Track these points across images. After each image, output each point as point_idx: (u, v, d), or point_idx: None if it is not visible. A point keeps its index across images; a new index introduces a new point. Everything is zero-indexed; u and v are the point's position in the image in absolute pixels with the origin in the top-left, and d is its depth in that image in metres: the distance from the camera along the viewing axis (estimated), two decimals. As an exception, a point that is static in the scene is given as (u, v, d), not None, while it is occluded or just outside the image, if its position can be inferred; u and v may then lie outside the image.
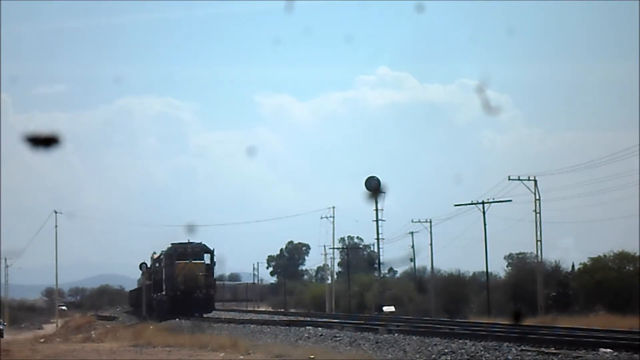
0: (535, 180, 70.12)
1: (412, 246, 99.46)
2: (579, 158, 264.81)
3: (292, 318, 64.61)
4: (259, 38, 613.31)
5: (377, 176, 77.77)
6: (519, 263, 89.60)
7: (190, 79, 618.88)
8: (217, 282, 78.58)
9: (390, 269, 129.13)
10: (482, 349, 28.04)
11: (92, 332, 62.51)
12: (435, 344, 30.62)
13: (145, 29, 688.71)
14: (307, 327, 44.19)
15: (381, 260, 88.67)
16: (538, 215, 69.45)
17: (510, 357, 25.90)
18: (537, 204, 69.52)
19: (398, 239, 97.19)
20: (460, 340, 31.21)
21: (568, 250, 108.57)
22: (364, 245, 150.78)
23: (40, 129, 11.29)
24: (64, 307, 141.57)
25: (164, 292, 67.33)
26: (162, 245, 73.48)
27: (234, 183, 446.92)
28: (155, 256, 77.16)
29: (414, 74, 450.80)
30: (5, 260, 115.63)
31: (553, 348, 26.55)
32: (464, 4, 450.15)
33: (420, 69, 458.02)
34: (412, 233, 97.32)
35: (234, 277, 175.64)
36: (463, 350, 28.25)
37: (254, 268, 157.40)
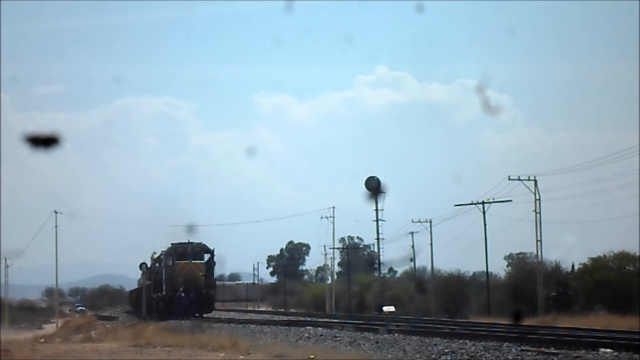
0: (535, 180, 70.14)
1: (412, 246, 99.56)
2: (579, 158, 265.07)
3: (292, 318, 64.62)
4: (259, 38, 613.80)
5: (377, 176, 77.88)
6: (519, 263, 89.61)
7: (190, 79, 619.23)
8: (217, 282, 78.53)
9: (390, 269, 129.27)
10: (482, 349, 28.04)
11: (92, 332, 62.45)
12: (435, 344, 30.62)
13: (145, 29, 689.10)
14: (307, 327, 44.19)
15: (381, 260, 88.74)
16: (538, 215, 69.48)
17: (510, 357, 25.90)
18: (537, 204, 69.56)
19: (398, 239, 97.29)
20: (460, 340, 31.22)
21: (570, 249, 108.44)
22: (364, 245, 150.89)
23: (40, 129, 11.29)
24: (82, 308, 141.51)
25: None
26: (162, 245, 73.50)
27: (234, 183, 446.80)
28: (155, 256, 77.11)
29: (412, 73, 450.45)
30: (5, 260, 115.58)
31: (553, 348, 26.55)
32: (464, 4, 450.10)
33: (420, 68, 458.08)
34: (412, 233, 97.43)
35: (234, 277, 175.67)
36: (463, 350, 28.25)
37: (254, 268, 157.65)
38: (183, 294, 66.55)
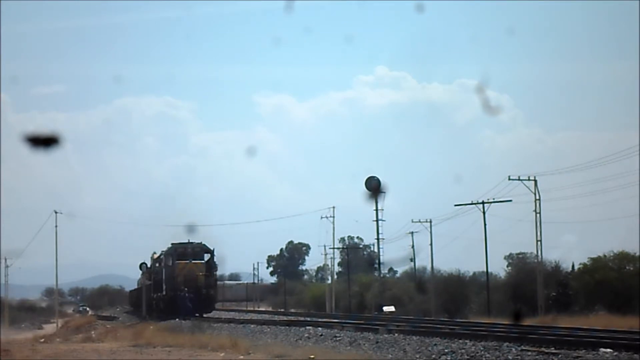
0: (535, 180, 70.13)
1: (412, 246, 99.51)
2: (579, 158, 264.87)
3: (292, 318, 64.63)
4: (259, 38, 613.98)
5: (377, 176, 77.87)
6: (519, 263, 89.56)
7: (190, 79, 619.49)
8: (217, 282, 78.45)
9: (390, 269, 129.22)
10: (482, 349, 28.05)
11: (92, 332, 62.41)
12: (435, 344, 30.63)
13: (145, 29, 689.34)
14: (307, 327, 44.20)
15: (381, 260, 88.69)
16: (538, 215, 69.46)
17: (510, 357, 25.90)
18: (537, 204, 69.54)
19: (398, 239, 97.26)
20: (460, 340, 31.23)
21: (570, 249, 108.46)
22: (364, 245, 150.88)
23: (40, 129, 11.30)
24: (86, 308, 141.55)
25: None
26: (162, 245, 73.54)
27: (234, 183, 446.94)
28: (155, 256, 77.12)
29: (412, 73, 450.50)
30: (5, 260, 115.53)
31: (553, 348, 26.56)
32: (464, 4, 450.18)
33: (420, 68, 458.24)
34: (412, 233, 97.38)
35: (234, 277, 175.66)
36: (463, 350, 28.25)
37: (254, 268, 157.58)
38: (187, 295, 66.55)
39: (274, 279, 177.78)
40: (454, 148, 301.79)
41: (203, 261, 68.83)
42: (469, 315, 75.42)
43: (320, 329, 42.82)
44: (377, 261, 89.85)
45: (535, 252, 73.32)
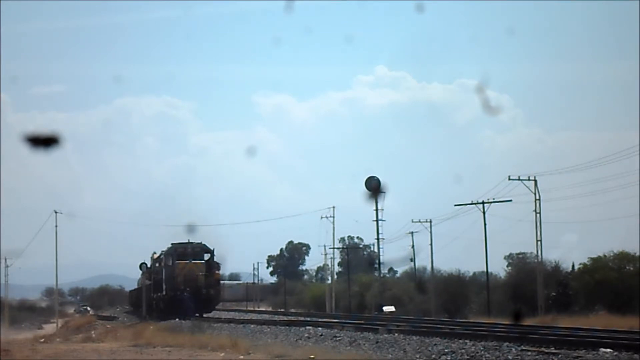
0: (535, 180, 70.18)
1: (412, 246, 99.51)
2: (579, 158, 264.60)
3: (292, 318, 64.66)
4: (259, 38, 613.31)
5: (377, 176, 77.90)
6: (519, 263, 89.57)
7: (189, 79, 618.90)
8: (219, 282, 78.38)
9: (390, 269, 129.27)
10: (482, 349, 28.05)
11: (92, 332, 62.42)
12: (435, 344, 30.64)
13: (144, 29, 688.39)
14: (307, 327, 44.23)
15: (381, 260, 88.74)
16: (538, 215, 69.50)
17: (510, 357, 25.90)
18: (537, 204, 69.58)
19: (398, 239, 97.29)
20: (460, 340, 31.25)
21: (570, 249, 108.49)
22: (364, 245, 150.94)
23: (40, 129, 11.30)
24: (87, 308, 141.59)
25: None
26: (162, 245, 73.55)
27: (234, 183, 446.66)
28: (155, 256, 77.11)
29: (412, 73, 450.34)
30: (5, 260, 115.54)
31: (553, 348, 26.58)
32: (464, 4, 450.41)
33: (419, 68, 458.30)
34: (412, 233, 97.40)
35: (234, 277, 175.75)
36: (463, 350, 28.26)
37: (254, 268, 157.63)
38: (188, 295, 66.54)
39: (274, 279, 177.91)
40: (454, 148, 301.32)
41: (203, 261, 68.86)
42: (469, 315, 75.45)
43: (320, 329, 42.85)
44: (377, 261, 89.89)
45: (535, 252, 73.43)
